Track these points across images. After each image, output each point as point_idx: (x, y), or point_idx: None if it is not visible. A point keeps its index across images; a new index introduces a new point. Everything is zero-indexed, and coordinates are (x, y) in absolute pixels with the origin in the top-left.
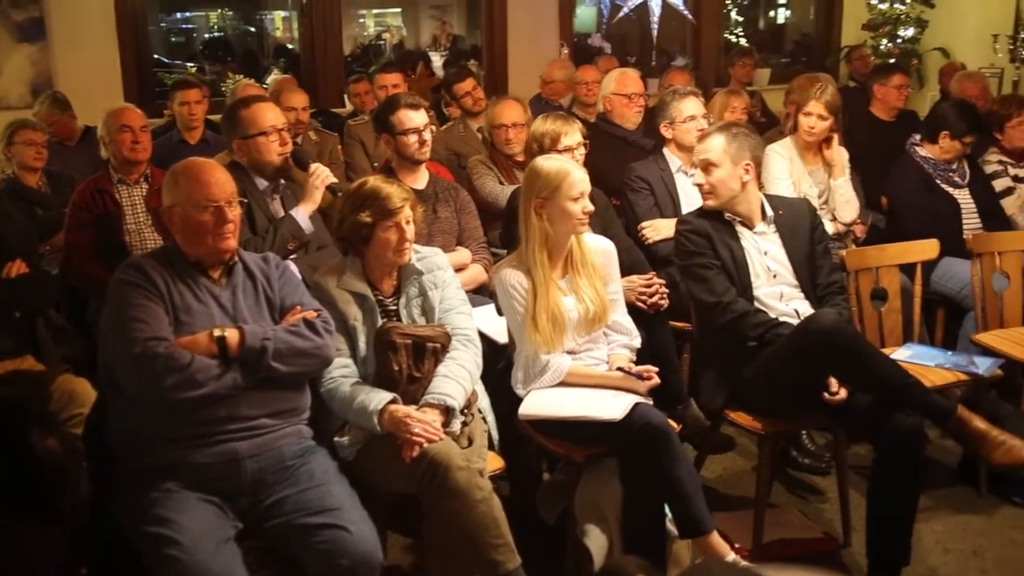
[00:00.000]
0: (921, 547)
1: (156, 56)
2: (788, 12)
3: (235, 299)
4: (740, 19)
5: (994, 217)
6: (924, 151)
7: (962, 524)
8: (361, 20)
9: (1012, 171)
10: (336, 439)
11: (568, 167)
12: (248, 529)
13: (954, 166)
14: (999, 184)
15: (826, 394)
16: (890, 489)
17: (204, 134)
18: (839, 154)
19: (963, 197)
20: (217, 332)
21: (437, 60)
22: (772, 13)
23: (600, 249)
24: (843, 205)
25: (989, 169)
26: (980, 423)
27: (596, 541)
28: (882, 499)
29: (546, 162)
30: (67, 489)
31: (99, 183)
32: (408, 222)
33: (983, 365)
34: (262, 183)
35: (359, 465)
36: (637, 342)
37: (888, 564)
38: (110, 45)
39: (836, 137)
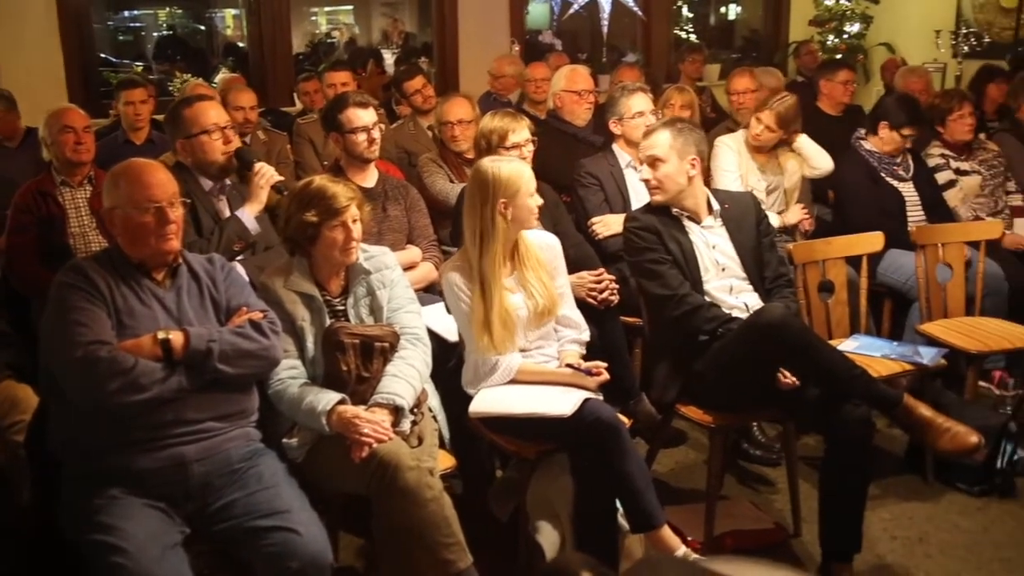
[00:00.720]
0: (869, 535)
1: (103, 55)
2: (738, 8)
3: (179, 301)
4: (690, 15)
5: (937, 209)
6: (869, 145)
7: (909, 511)
8: (313, 18)
9: (954, 164)
10: (285, 440)
11: (521, 166)
12: (197, 533)
13: (898, 159)
14: (942, 177)
15: (780, 379)
16: (840, 478)
17: (150, 134)
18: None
19: (907, 190)
20: (161, 335)
21: (389, 58)
22: (723, 9)
23: (544, 244)
24: (816, 155)
25: (932, 162)
26: (926, 411)
27: (548, 537)
28: (832, 488)
29: (499, 164)
30: (10, 497)
31: (41, 185)
32: (355, 221)
33: (928, 355)
34: (208, 183)
35: (308, 466)
36: (586, 336)
37: (840, 551)
38: (53, 44)
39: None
